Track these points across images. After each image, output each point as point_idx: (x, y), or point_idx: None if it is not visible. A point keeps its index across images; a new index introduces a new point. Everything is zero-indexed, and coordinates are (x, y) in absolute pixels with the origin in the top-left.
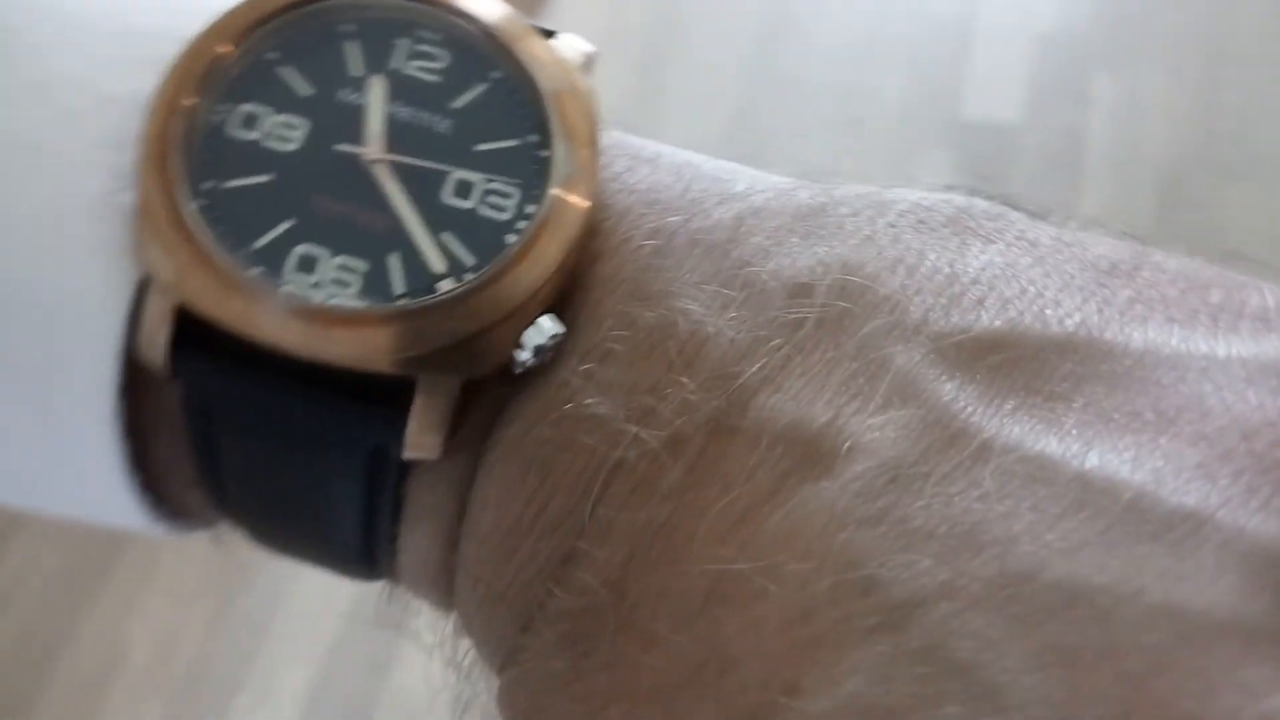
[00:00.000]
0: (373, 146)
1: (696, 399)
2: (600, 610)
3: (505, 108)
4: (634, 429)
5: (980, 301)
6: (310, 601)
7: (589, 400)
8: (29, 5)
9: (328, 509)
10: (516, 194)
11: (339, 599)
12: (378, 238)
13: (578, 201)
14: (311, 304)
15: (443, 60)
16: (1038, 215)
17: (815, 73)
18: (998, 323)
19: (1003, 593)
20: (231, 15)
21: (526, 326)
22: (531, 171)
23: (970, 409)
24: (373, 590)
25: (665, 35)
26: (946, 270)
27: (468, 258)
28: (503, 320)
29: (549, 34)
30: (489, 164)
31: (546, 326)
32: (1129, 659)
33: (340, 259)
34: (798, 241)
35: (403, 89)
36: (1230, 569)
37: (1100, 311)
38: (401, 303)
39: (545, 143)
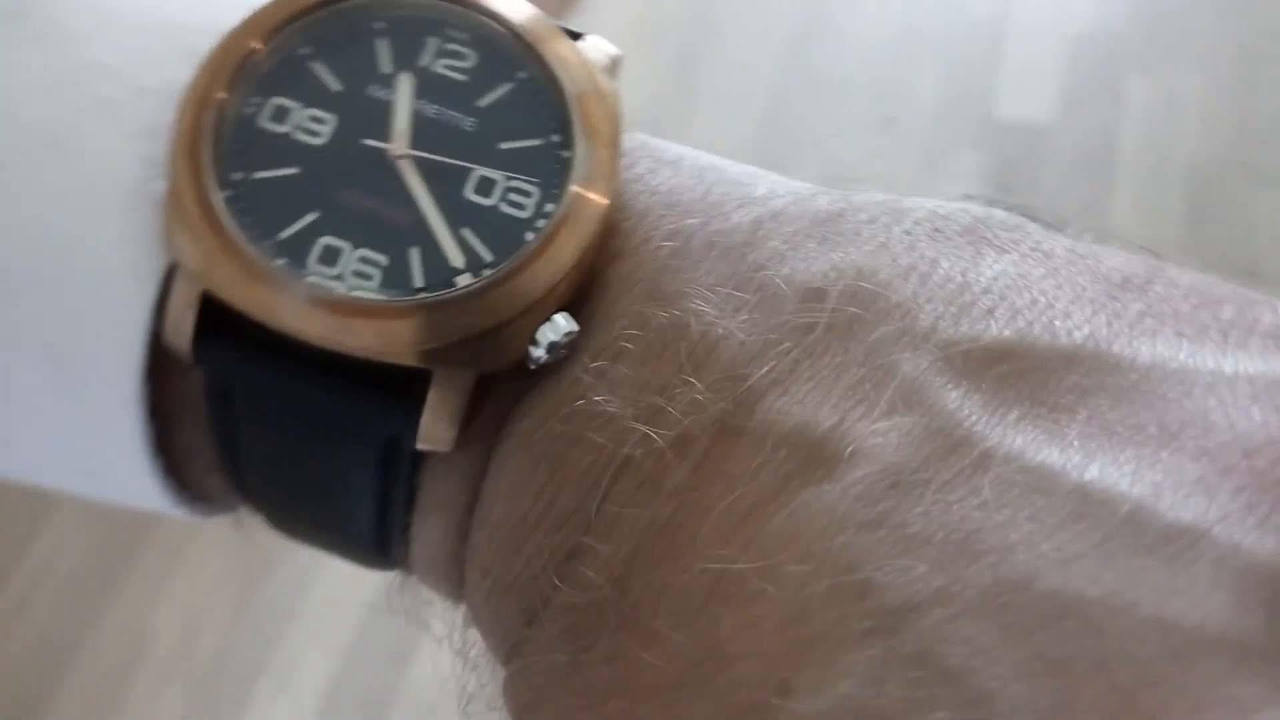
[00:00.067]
0: (398, 142)
1: (705, 400)
2: (603, 606)
3: (530, 107)
4: (642, 427)
5: (990, 311)
6: (334, 591)
7: (599, 397)
8: None
9: (343, 498)
10: (537, 192)
11: (362, 589)
12: (400, 232)
13: (596, 200)
14: (333, 295)
15: (470, 59)
16: (1055, 226)
17: (848, 71)
18: (1006, 332)
19: (996, 601)
20: (265, 11)
21: (542, 323)
22: (552, 171)
23: (974, 418)
24: (395, 580)
25: (699, 33)
26: (958, 279)
27: (486, 253)
28: (519, 316)
29: (576, 36)
30: (511, 162)
31: (561, 324)
32: (1119, 671)
33: (362, 252)
34: (814, 247)
35: (430, 86)
36: (1224, 585)
37: (1110, 324)
38: (420, 296)
39: (567, 143)
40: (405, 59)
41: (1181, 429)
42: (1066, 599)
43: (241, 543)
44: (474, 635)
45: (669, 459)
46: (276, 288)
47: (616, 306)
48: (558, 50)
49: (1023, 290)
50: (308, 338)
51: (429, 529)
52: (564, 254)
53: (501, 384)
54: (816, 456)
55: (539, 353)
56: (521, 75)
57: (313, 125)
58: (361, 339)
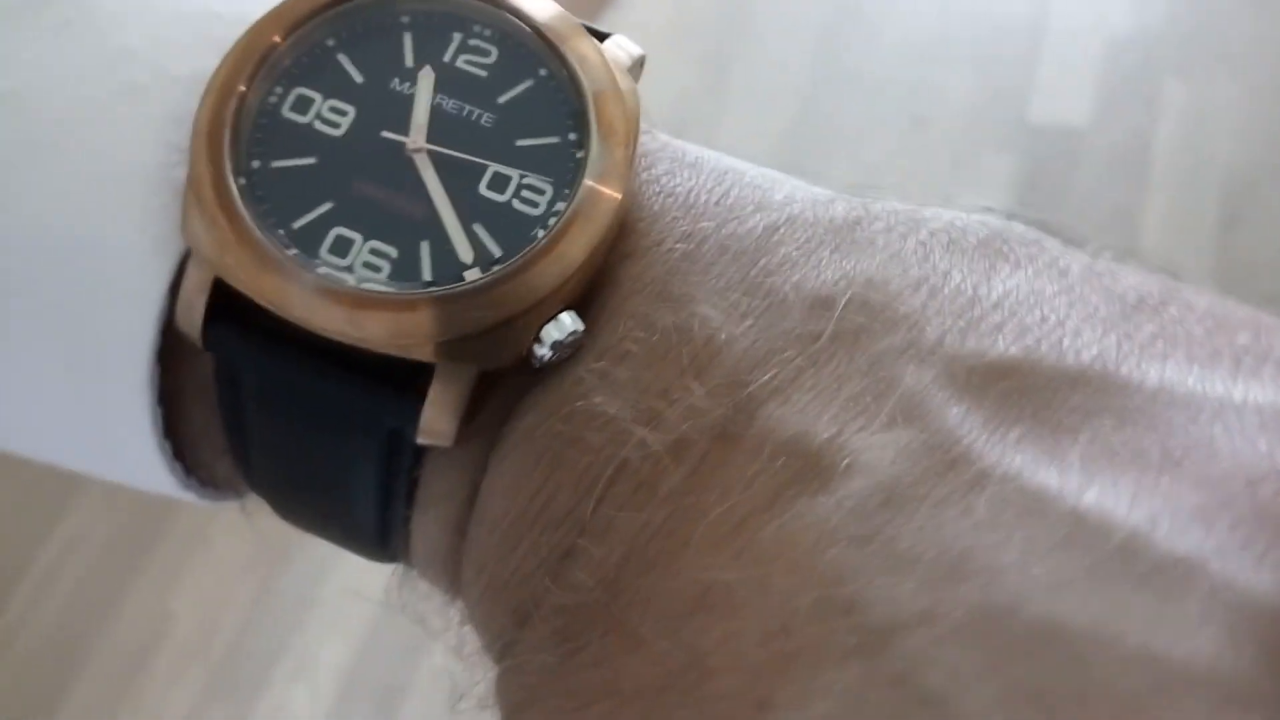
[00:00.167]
0: (416, 136)
1: (704, 405)
2: (593, 609)
3: (549, 105)
4: (640, 431)
5: (999, 327)
6: (353, 579)
7: (600, 399)
8: None
9: (346, 487)
10: (549, 190)
11: (382, 578)
12: (412, 225)
13: (608, 199)
14: (341, 286)
15: (492, 55)
16: (1075, 242)
17: (881, 69)
18: (1013, 349)
19: (982, 625)
20: (291, 4)
21: (548, 321)
22: (566, 169)
23: (973, 435)
24: (396, 574)
25: (731, 31)
26: (969, 293)
27: (495, 249)
28: (525, 313)
29: (601, 36)
30: (526, 160)
31: (566, 323)
32: (1100, 705)
33: (373, 243)
34: (827, 254)
35: (451, 81)
36: (1215, 620)
37: (1119, 346)
38: (428, 290)
39: (583, 141)
40: (428, 53)
41: (1184, 455)
42: (1052, 627)
43: (262, 529)
44: (470, 633)
45: (666, 463)
46: (286, 277)
47: (624, 307)
48: (579, 48)
49: (1034, 307)
50: (314, 328)
51: (428, 523)
52: (573, 252)
53: (507, 380)
54: (813, 467)
55: (543, 351)
56: (542, 72)
57: (333, 116)
58: (366, 330)
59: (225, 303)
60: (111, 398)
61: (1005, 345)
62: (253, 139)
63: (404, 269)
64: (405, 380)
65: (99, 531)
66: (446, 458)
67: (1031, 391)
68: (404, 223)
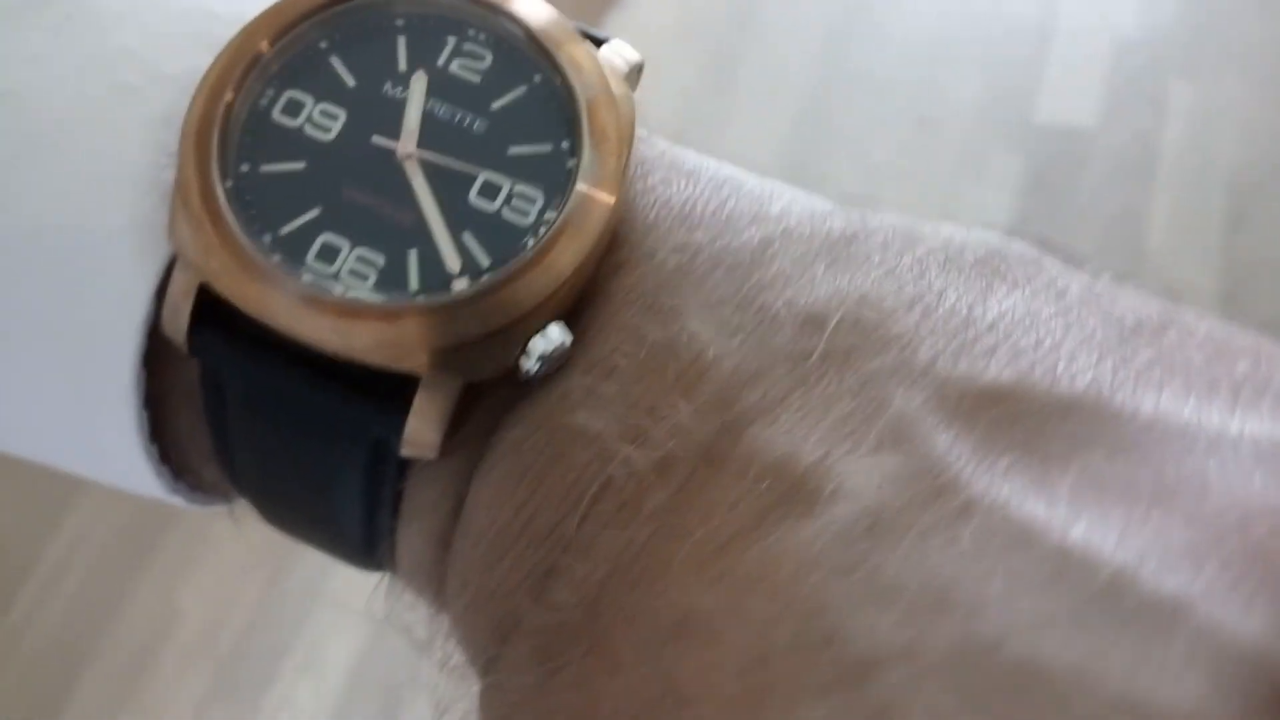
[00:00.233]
0: (407, 142)
1: (691, 424)
2: (574, 629)
3: (542, 112)
4: (625, 448)
5: (992, 350)
6: (361, 575)
7: (586, 414)
8: None
9: (331, 495)
10: (540, 199)
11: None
12: (400, 232)
13: (599, 209)
14: (326, 295)
15: (486, 60)
16: (1075, 261)
17: (887, 70)
18: (1006, 374)
19: (962, 662)
20: (284, 6)
21: (536, 332)
22: (558, 178)
23: (962, 462)
24: (381, 583)
25: (737, 30)
26: (964, 313)
27: (484, 259)
28: (512, 324)
29: (600, 41)
30: (518, 168)
31: (554, 336)
32: None
33: (360, 251)
34: (822, 270)
35: (444, 87)
36: (1200, 665)
37: (1115, 372)
38: (413, 300)
39: (574, 149)
40: (422, 57)
41: (1176, 490)
42: (1033, 667)
43: (267, 527)
44: (455, 646)
45: (651, 482)
46: (270, 284)
47: (615, 320)
48: (573, 55)
49: (1029, 330)
50: (298, 336)
51: (412, 534)
52: (562, 263)
53: (495, 391)
54: (798, 490)
55: (530, 364)
56: (536, 79)
57: (324, 120)
58: (350, 340)
59: (211, 307)
60: (99, 400)
61: (998, 369)
62: (242, 142)
63: (391, 277)
64: (391, 390)
65: (104, 529)
66: (432, 469)
67: (1023, 418)
68: (393, 230)
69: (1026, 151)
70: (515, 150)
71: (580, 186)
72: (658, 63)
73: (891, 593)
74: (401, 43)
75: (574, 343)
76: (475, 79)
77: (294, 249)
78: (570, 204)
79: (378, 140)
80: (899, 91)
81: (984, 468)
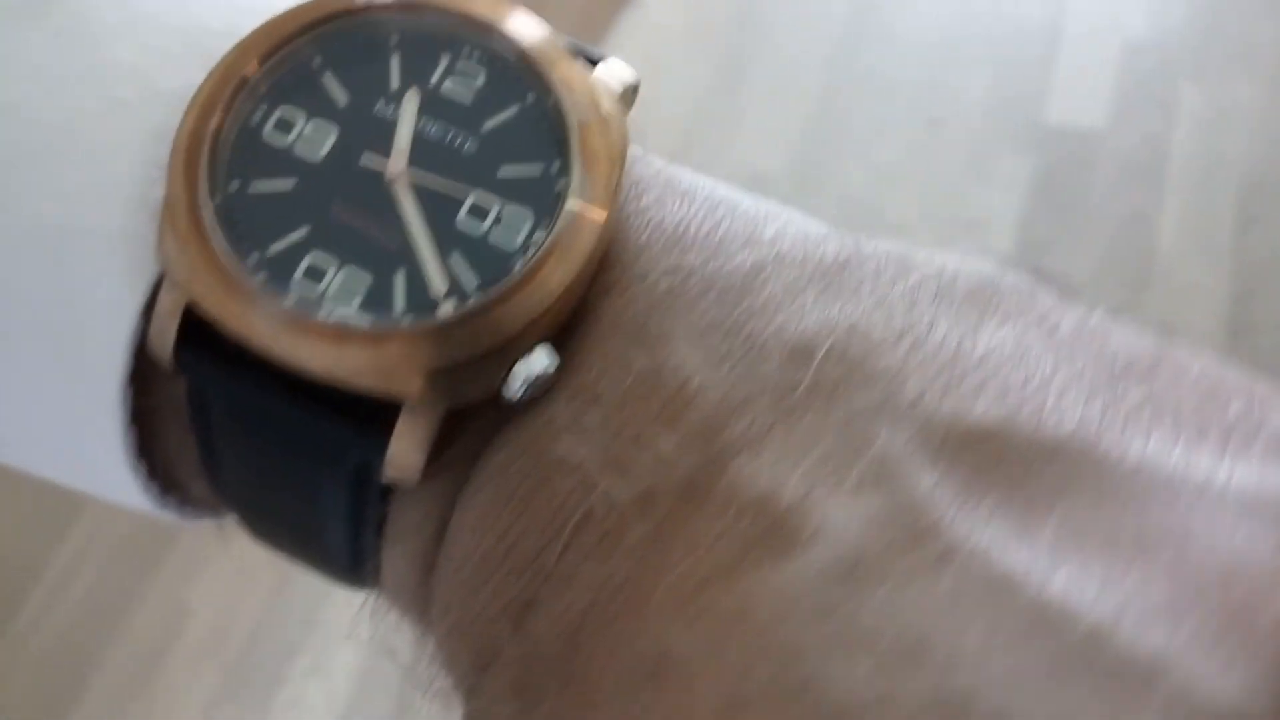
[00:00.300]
0: (397, 161)
1: (673, 455)
2: (551, 662)
3: (533, 133)
4: (606, 479)
5: (980, 387)
6: None
7: (569, 442)
8: None
9: (316, 516)
10: (529, 221)
11: None
12: (387, 253)
13: (587, 231)
14: (310, 318)
15: (479, 79)
16: (1070, 293)
17: (897, 71)
18: (992, 413)
19: (935, 717)
20: (277, 21)
21: (522, 356)
22: (547, 199)
23: (944, 505)
24: (366, 604)
25: (747, 32)
26: (953, 347)
27: (472, 281)
28: (500, 346)
29: (595, 60)
30: (507, 189)
31: (540, 360)
32: None
33: (346, 271)
34: (812, 298)
35: (436, 105)
36: None
37: (1103, 414)
38: (400, 322)
39: (565, 171)
40: (415, 76)
41: (1159, 541)
42: None
43: None
44: (437, 669)
45: (632, 515)
46: (255, 306)
47: (602, 345)
48: (565, 75)
49: (1018, 366)
50: (282, 359)
51: (396, 556)
52: (551, 284)
53: (480, 414)
54: (778, 529)
55: (514, 388)
56: (529, 99)
57: (314, 137)
58: (334, 363)
59: (198, 326)
60: (88, 414)
61: (985, 408)
62: (232, 159)
63: (377, 298)
64: (374, 412)
65: (114, 530)
66: (416, 491)
67: (1007, 462)
68: (380, 251)
69: (1036, 153)
70: (506, 171)
71: (570, 207)
72: (668, 63)
73: (868, 641)
74: (395, 60)
75: (561, 367)
76: (468, 98)
77: (281, 268)
78: (559, 225)
79: (368, 159)
80: (908, 92)
81: (965, 511)
